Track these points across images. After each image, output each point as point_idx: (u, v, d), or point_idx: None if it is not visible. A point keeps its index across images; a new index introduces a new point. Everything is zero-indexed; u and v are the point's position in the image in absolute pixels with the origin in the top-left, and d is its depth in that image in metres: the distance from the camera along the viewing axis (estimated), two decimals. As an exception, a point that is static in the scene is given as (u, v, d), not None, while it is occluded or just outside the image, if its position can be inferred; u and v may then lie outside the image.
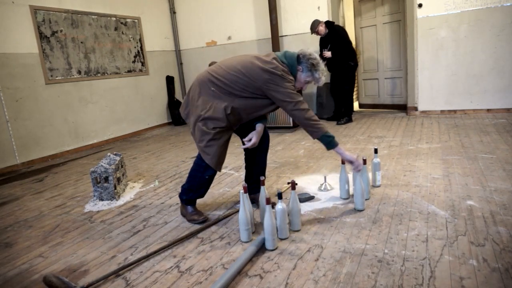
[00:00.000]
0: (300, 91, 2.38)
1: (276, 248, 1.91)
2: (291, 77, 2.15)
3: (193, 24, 6.82)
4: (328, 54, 5.10)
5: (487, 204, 2.21)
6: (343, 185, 2.49)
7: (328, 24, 5.09)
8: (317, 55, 2.21)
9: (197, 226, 2.27)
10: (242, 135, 2.37)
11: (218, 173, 2.19)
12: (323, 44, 5.23)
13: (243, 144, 2.30)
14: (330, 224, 2.14)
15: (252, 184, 2.49)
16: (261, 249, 1.91)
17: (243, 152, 2.56)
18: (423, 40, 5.14)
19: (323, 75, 2.21)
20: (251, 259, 1.83)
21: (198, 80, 2.21)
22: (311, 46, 5.56)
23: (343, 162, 2.44)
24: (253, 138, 2.24)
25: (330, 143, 2.17)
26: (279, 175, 3.17)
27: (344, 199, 2.50)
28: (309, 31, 5.19)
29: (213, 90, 2.13)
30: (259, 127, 2.29)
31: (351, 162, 2.26)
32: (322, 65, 2.19)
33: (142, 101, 6.25)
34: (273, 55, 2.16)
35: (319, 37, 5.26)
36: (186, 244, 2.06)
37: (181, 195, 2.41)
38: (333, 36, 5.06)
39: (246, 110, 2.16)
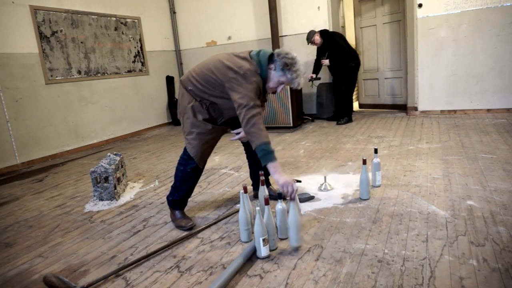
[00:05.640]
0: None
1: (276, 248, 1.91)
2: (256, 78, 2.01)
3: (193, 24, 6.82)
4: (326, 62, 5.17)
5: (487, 204, 2.21)
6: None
7: (323, 33, 5.12)
8: (295, 55, 2.02)
9: (197, 226, 2.27)
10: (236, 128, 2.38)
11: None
12: (321, 53, 5.27)
13: (236, 134, 2.31)
14: (330, 224, 2.14)
15: (256, 181, 2.54)
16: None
17: (244, 152, 2.57)
18: (423, 40, 5.14)
19: (299, 77, 2.02)
20: (250, 259, 1.83)
21: (181, 81, 2.24)
22: (311, 46, 5.55)
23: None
24: (242, 131, 2.24)
25: (264, 156, 1.91)
26: (279, 175, 3.16)
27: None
28: (309, 30, 5.20)
29: (191, 90, 2.15)
30: None
31: (281, 187, 1.88)
32: (297, 66, 2.01)
33: (142, 101, 6.25)
34: (247, 53, 2.12)
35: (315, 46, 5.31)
36: (186, 244, 2.07)
37: (168, 197, 2.37)
38: (329, 43, 5.10)
39: (223, 107, 2.14)
